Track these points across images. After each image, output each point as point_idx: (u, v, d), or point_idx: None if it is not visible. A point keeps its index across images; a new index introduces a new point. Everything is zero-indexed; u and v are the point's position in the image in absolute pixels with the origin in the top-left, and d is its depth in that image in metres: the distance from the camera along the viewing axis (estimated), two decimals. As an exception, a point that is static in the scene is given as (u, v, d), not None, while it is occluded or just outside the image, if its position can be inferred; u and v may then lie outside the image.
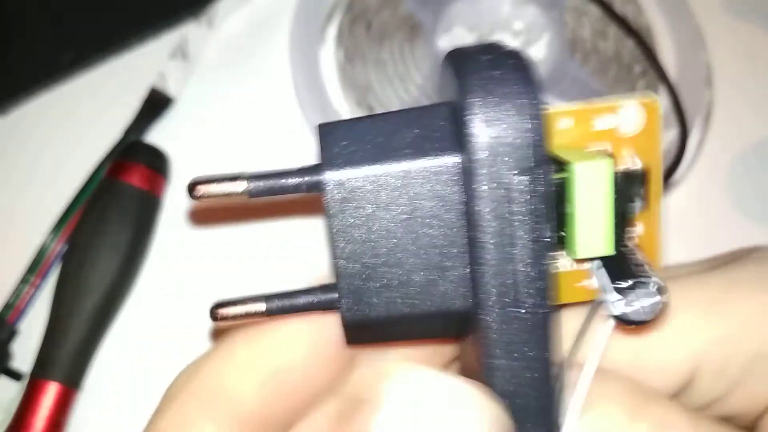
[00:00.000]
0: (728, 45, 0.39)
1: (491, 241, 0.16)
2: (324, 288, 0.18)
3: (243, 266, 0.35)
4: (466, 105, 0.16)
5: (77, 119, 0.37)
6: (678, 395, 0.20)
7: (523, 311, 0.16)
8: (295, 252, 0.35)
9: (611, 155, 0.18)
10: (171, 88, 0.37)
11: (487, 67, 0.16)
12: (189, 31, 0.38)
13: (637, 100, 0.18)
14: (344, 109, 0.37)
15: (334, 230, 0.17)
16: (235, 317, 0.18)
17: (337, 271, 0.17)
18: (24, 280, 0.33)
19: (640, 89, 0.37)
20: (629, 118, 0.18)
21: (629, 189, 0.18)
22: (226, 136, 0.37)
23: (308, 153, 0.35)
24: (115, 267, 0.33)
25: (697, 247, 0.36)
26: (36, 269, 0.34)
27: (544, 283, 0.16)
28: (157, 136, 0.36)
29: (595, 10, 0.38)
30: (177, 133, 0.37)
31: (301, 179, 0.17)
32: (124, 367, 0.34)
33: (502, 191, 0.16)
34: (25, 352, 0.33)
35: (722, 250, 0.23)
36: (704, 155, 0.36)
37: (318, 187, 0.17)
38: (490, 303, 0.16)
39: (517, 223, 0.16)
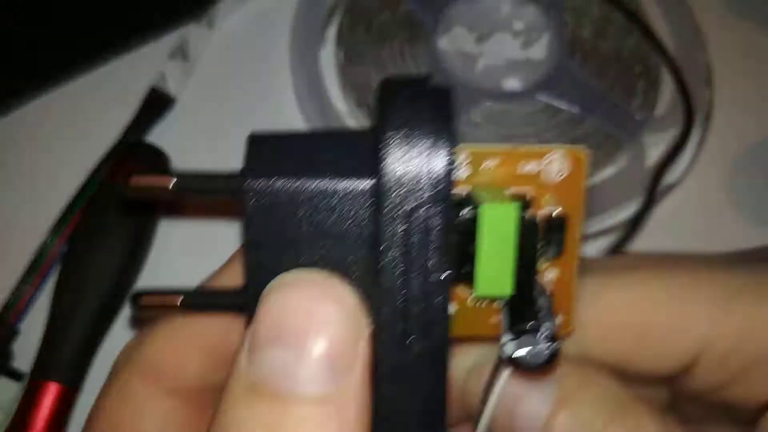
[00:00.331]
0: (728, 45, 0.39)
1: (388, 269, 0.17)
2: (237, 292, 0.18)
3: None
4: (382, 137, 0.16)
5: (77, 119, 0.37)
6: (676, 378, 0.20)
7: (410, 342, 0.17)
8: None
9: (527, 200, 0.18)
10: (171, 88, 0.37)
11: (407, 103, 0.17)
12: (189, 31, 0.38)
13: (563, 149, 0.18)
14: (344, 109, 0.37)
15: (247, 237, 0.17)
16: (152, 307, 0.19)
17: (247, 277, 0.17)
18: (24, 280, 0.33)
19: (640, 89, 0.37)
20: (553, 166, 0.18)
21: (542, 234, 0.18)
22: (226, 136, 0.37)
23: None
24: (115, 267, 0.33)
25: (696, 246, 0.36)
26: (36, 269, 0.34)
27: (434, 316, 0.17)
28: (157, 136, 0.36)
29: (595, 10, 0.38)
30: (177, 133, 0.37)
31: (224, 184, 0.17)
32: (124, 367, 0.34)
33: (404, 223, 0.16)
34: (25, 352, 0.33)
35: (721, 249, 0.23)
36: (704, 155, 0.36)
37: (238, 193, 0.17)
38: (381, 329, 0.17)
39: (414, 255, 0.16)
